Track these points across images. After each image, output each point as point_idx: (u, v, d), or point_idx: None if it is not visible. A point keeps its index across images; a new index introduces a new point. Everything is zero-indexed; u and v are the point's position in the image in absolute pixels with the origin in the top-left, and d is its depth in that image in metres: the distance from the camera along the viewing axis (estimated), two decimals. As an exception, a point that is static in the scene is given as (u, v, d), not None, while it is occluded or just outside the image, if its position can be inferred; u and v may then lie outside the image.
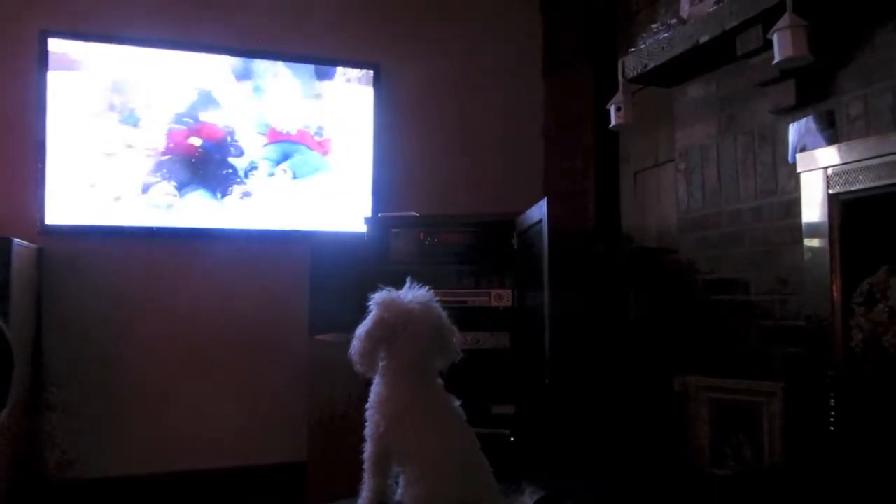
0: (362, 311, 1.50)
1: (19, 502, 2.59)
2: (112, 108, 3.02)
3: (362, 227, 2.90)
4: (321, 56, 3.31)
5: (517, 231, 2.73)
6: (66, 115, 2.95)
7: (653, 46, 2.51)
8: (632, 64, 2.62)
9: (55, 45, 2.93)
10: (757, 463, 2.13)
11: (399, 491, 1.46)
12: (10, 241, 2.45)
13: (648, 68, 2.54)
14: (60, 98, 2.94)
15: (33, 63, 2.90)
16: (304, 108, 3.29)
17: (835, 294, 1.92)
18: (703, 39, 2.26)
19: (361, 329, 1.45)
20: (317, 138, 3.30)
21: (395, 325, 1.41)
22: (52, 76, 2.92)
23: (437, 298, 1.48)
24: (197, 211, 3.12)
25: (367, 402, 1.49)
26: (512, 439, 2.53)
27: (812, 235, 1.99)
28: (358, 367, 1.46)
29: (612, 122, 2.66)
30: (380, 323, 1.42)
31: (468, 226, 2.82)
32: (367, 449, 1.47)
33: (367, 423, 1.48)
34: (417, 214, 2.93)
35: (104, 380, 2.96)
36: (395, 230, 2.84)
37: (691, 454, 2.32)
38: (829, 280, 1.93)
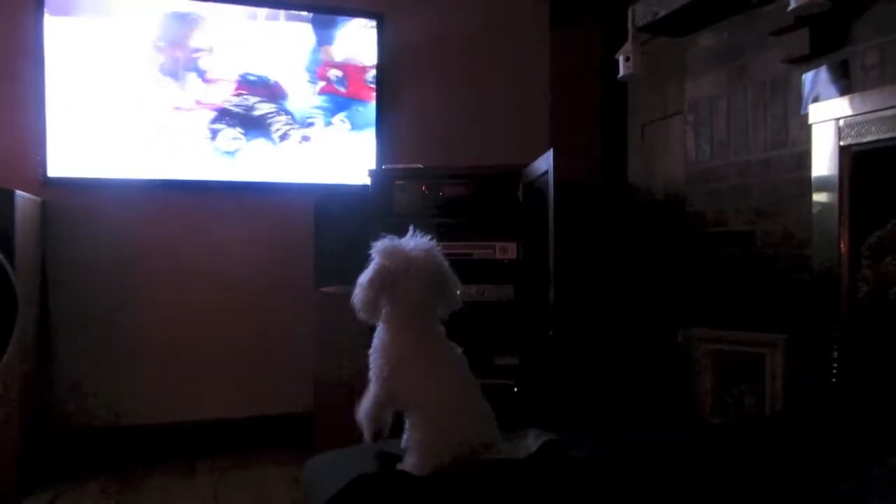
0: (366, 264, 1.50)
1: (34, 448, 2.64)
2: (123, 54, 2.97)
3: (367, 180, 2.88)
4: (324, 5, 3.24)
5: (523, 183, 2.71)
6: (71, 63, 2.90)
7: (664, -7, 2.45)
8: (641, 12, 2.56)
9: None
10: (758, 413, 2.15)
11: (404, 436, 1.49)
12: (12, 193, 2.44)
13: (659, 16, 2.48)
14: (63, 46, 2.89)
15: (30, 10, 2.85)
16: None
17: (842, 247, 1.91)
18: (716, -15, 2.20)
19: (364, 277, 1.45)
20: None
21: (397, 273, 1.42)
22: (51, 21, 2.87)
23: (441, 248, 1.48)
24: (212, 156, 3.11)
25: (371, 348, 1.51)
26: (516, 390, 2.56)
27: (821, 188, 1.98)
28: (360, 315, 1.47)
29: (621, 73, 2.61)
30: (381, 270, 1.43)
31: (473, 178, 2.80)
32: (371, 391, 1.49)
33: (370, 368, 1.49)
34: (422, 167, 2.90)
35: (110, 331, 2.98)
36: (400, 182, 2.81)
37: (694, 404, 2.34)
38: (837, 233, 1.92)
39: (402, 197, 2.81)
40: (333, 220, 2.86)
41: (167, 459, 2.91)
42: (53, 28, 2.88)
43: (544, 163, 2.47)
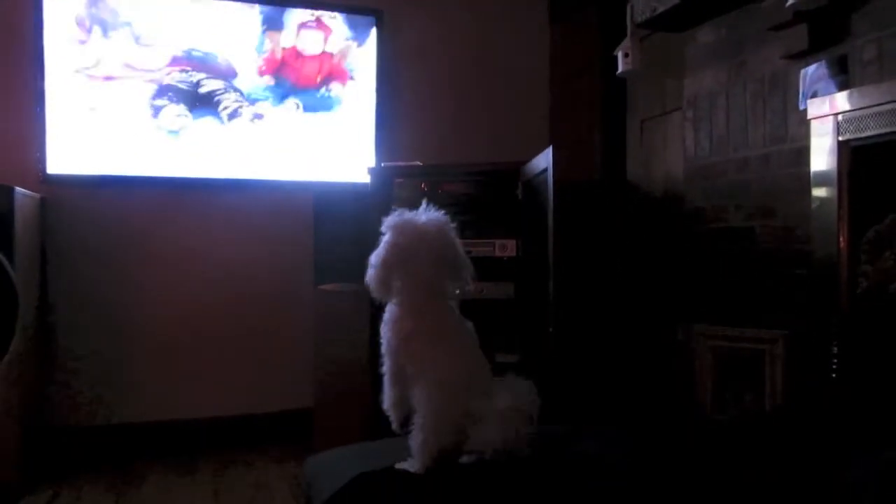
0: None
1: (34, 446, 2.64)
2: (111, 31, 2.96)
3: (366, 178, 2.88)
4: (320, 0, 3.24)
5: (522, 180, 2.71)
6: (64, 56, 2.90)
7: (662, -11, 2.45)
8: (640, 8, 2.56)
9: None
10: (758, 409, 2.15)
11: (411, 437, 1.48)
12: (12, 190, 2.44)
13: (658, 12, 2.48)
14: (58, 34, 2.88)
15: (31, 7, 2.85)
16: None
17: (841, 242, 1.91)
18: (715, -19, 2.20)
19: (375, 256, 1.44)
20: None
21: (409, 249, 1.40)
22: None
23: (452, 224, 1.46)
24: (206, 137, 3.09)
25: (378, 332, 1.51)
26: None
27: (820, 184, 1.97)
28: (374, 294, 1.46)
29: (620, 69, 2.61)
30: (394, 248, 1.41)
31: (472, 175, 2.80)
32: (385, 363, 1.48)
33: (382, 342, 1.48)
34: (421, 164, 2.90)
35: (110, 328, 2.98)
36: (399, 180, 2.81)
37: (694, 400, 2.34)
38: (836, 228, 1.91)
39: (401, 194, 2.80)
40: (333, 218, 2.86)
41: (167, 457, 2.92)
42: (52, 11, 2.86)
43: (543, 160, 2.46)
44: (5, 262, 2.31)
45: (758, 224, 2.34)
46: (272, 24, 3.17)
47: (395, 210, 1.45)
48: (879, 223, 1.82)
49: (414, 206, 2.73)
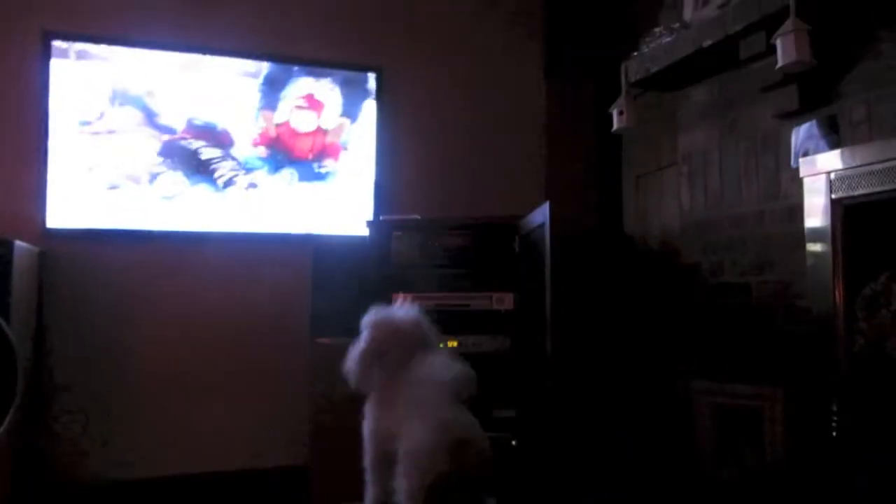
0: (364, 314, 1.56)
1: (26, 503, 2.59)
2: (115, 104, 3.02)
3: (364, 231, 2.90)
4: (323, 60, 3.31)
5: (519, 234, 2.73)
6: (67, 113, 2.95)
7: (655, 50, 2.51)
8: (634, 68, 2.63)
9: (59, 43, 2.93)
10: (759, 466, 2.13)
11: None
12: (11, 244, 2.44)
13: (651, 72, 2.55)
14: (63, 96, 2.94)
15: (36, 63, 2.90)
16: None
17: (837, 299, 1.92)
18: (707, 44, 2.26)
19: (355, 351, 1.54)
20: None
21: (387, 342, 1.50)
22: (56, 67, 2.92)
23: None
24: (201, 203, 3.12)
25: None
26: (514, 443, 2.53)
27: (815, 240, 1.99)
28: (353, 385, 1.54)
29: (615, 126, 2.66)
30: (372, 343, 1.52)
31: (470, 229, 2.82)
32: (366, 454, 1.52)
33: (363, 430, 1.53)
34: (419, 217, 2.93)
35: (105, 383, 2.95)
36: (398, 233, 2.83)
37: (694, 457, 2.32)
38: (832, 285, 1.92)
39: (399, 247, 2.82)
40: (331, 271, 2.87)
41: (159, 514, 2.86)
42: (58, 74, 2.93)
43: (540, 215, 2.49)
44: (6, 328, 2.29)
45: (754, 280, 2.36)
46: (267, 104, 3.24)
47: (371, 308, 1.55)
48: (874, 281, 1.83)
49: (412, 258, 2.79)
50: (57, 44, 2.93)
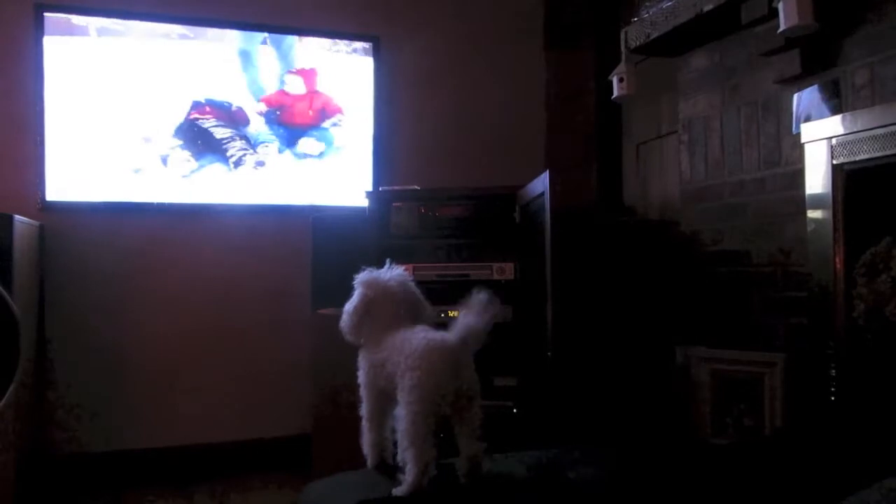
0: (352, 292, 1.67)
1: (29, 477, 2.62)
2: (115, 81, 3.00)
3: (364, 202, 2.89)
4: (320, 28, 3.27)
5: (519, 204, 2.72)
6: (66, 88, 2.92)
7: (656, 16, 2.48)
8: (634, 34, 2.59)
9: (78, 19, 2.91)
10: (757, 433, 2.15)
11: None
12: (11, 218, 2.44)
13: (651, 38, 2.51)
14: (60, 70, 2.91)
15: (29, 36, 2.87)
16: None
17: (837, 265, 1.91)
18: (707, 8, 2.23)
19: (349, 305, 1.65)
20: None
21: (376, 299, 1.62)
22: (51, 44, 2.89)
23: (431, 278, 1.61)
24: (211, 182, 3.13)
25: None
26: (515, 411, 2.55)
27: (815, 206, 1.99)
28: (347, 337, 1.67)
29: (615, 94, 2.64)
30: (363, 298, 1.63)
31: (470, 199, 2.81)
32: (363, 403, 1.63)
33: (359, 382, 1.64)
34: (419, 188, 2.92)
35: (108, 355, 2.97)
36: (397, 204, 2.82)
37: (693, 424, 2.34)
38: (832, 251, 1.92)
39: (399, 218, 2.82)
40: (330, 242, 2.86)
41: (164, 484, 2.89)
42: (53, 49, 2.90)
43: (540, 184, 2.48)
44: (10, 302, 2.29)
45: (754, 247, 2.36)
46: (265, 74, 3.22)
47: (364, 268, 1.68)
48: (875, 245, 1.83)
49: (412, 229, 2.78)
50: (76, 20, 2.90)
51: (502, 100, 3.55)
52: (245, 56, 3.18)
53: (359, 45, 3.33)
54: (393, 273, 1.67)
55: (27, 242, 2.63)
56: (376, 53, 3.34)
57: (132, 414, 2.99)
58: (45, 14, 2.88)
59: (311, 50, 3.27)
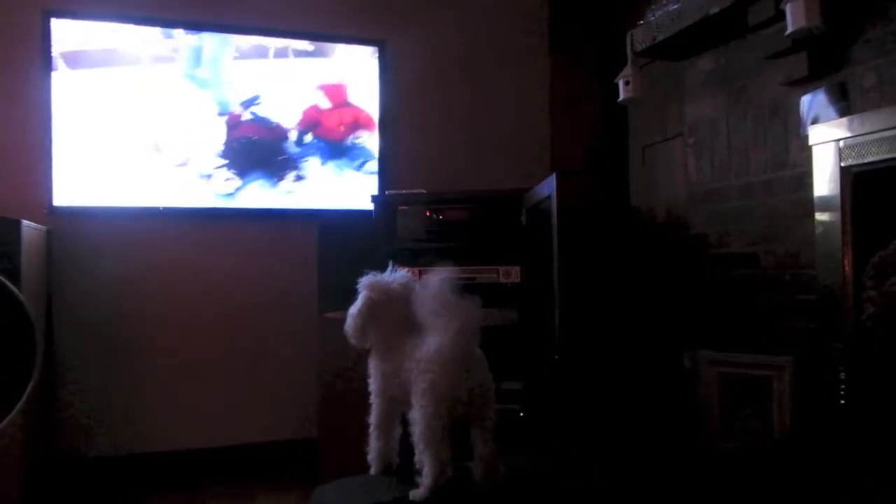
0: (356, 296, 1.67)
1: (37, 479, 2.62)
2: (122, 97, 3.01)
3: (369, 205, 2.89)
4: (326, 33, 3.28)
5: (525, 207, 2.72)
6: (74, 94, 2.94)
7: (661, 18, 2.48)
8: (640, 37, 2.59)
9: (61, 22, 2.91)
10: (766, 436, 2.13)
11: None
12: (19, 223, 2.44)
13: (657, 41, 2.51)
14: (72, 83, 2.93)
15: (37, 43, 2.88)
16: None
17: (846, 268, 1.91)
18: (714, 11, 2.23)
19: (353, 309, 1.65)
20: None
21: (380, 302, 1.60)
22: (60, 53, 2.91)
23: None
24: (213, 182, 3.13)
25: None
26: (521, 415, 2.54)
27: (823, 209, 1.98)
28: (352, 341, 1.66)
29: (621, 97, 2.63)
30: (367, 302, 1.62)
31: (476, 202, 2.81)
32: (373, 410, 1.64)
33: (369, 390, 1.65)
34: (425, 192, 2.92)
35: (115, 359, 2.97)
36: (403, 208, 2.83)
37: (701, 428, 2.33)
38: (841, 253, 1.91)
39: (405, 222, 2.82)
40: (336, 246, 2.87)
41: (171, 487, 2.89)
42: (64, 74, 2.91)
43: (547, 187, 2.48)
44: (26, 304, 2.30)
45: (761, 249, 2.35)
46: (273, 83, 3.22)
47: (366, 272, 1.68)
48: (884, 248, 1.82)
49: (418, 232, 2.78)
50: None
51: (508, 103, 3.55)
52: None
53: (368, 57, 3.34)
54: (396, 276, 1.66)
55: (35, 247, 2.64)
56: (382, 58, 3.35)
57: (139, 418, 2.99)
58: (53, 20, 2.89)
59: (340, 60, 3.30)
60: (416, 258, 2.72)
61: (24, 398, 2.27)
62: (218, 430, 3.09)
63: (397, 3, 3.41)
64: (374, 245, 2.76)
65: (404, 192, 2.95)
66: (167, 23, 3.06)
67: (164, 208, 3.04)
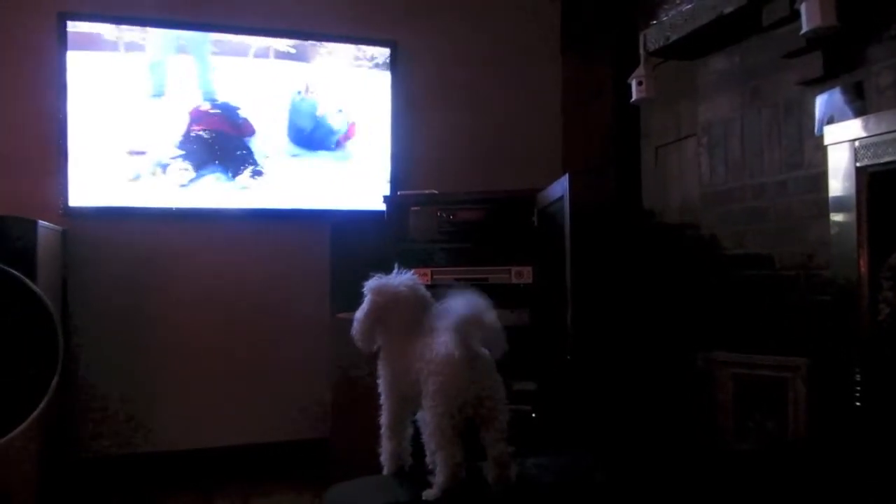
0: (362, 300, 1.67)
1: (51, 478, 2.64)
2: (134, 86, 3.03)
3: (382, 206, 2.90)
4: (337, 34, 3.29)
5: (537, 208, 2.72)
6: (87, 95, 2.96)
7: (675, 18, 2.47)
8: (653, 36, 2.58)
9: (75, 24, 2.93)
10: (781, 438, 2.12)
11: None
12: (35, 224, 2.47)
13: (671, 41, 2.50)
14: (82, 78, 2.95)
15: (53, 44, 2.91)
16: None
17: (862, 268, 1.89)
18: (728, 10, 2.22)
19: (359, 312, 1.65)
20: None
21: (387, 306, 1.61)
22: (73, 55, 2.93)
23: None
24: (211, 191, 3.15)
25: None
26: (534, 416, 2.54)
27: (839, 209, 1.96)
28: (359, 345, 1.66)
29: (634, 97, 2.62)
30: (373, 305, 1.62)
31: (488, 203, 2.81)
32: (383, 412, 1.64)
33: (379, 391, 1.65)
34: (437, 192, 2.92)
35: (130, 359, 3.00)
36: (415, 208, 2.83)
37: (715, 430, 2.31)
38: (856, 254, 1.90)
39: (417, 222, 2.82)
40: (349, 246, 2.88)
41: (185, 487, 2.91)
42: (75, 60, 2.94)
43: (559, 188, 2.47)
44: (49, 306, 2.32)
45: (776, 250, 2.33)
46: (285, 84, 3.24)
47: (372, 275, 1.67)
48: (900, 249, 1.81)
49: (430, 233, 2.79)
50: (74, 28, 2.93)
51: (519, 103, 3.55)
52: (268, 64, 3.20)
53: (379, 58, 3.33)
54: (402, 278, 1.66)
55: (51, 247, 2.66)
56: (393, 59, 3.35)
57: (153, 417, 3.01)
58: (69, 23, 2.92)
59: (334, 63, 3.29)
60: (428, 259, 2.73)
61: (48, 394, 2.29)
62: (230, 429, 3.10)
63: (409, 3, 3.42)
64: (387, 245, 2.76)
65: (416, 192, 2.96)
66: (179, 25, 3.08)
67: (178, 209, 3.06)
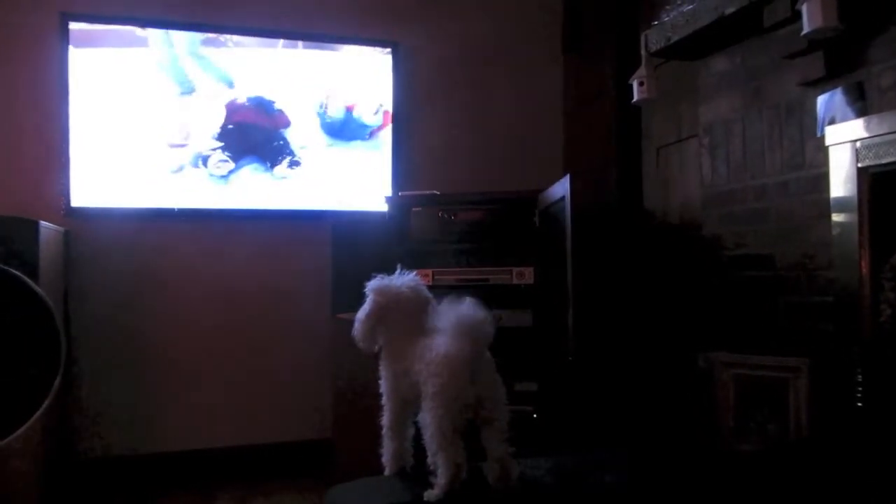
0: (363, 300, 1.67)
1: (53, 479, 2.65)
2: (161, 83, 3.05)
3: (383, 206, 2.90)
4: (339, 35, 3.29)
5: (539, 209, 2.72)
6: (90, 97, 2.96)
7: (676, 19, 2.46)
8: (655, 37, 2.58)
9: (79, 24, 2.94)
10: (782, 439, 2.12)
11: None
12: (37, 224, 2.47)
13: (672, 41, 2.50)
14: (87, 79, 2.95)
15: (55, 44, 2.92)
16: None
17: (863, 269, 1.89)
18: (729, 11, 2.21)
19: (361, 312, 1.65)
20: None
21: (389, 306, 1.61)
22: (82, 53, 2.94)
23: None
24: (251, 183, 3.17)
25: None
26: (535, 416, 2.54)
27: (840, 210, 1.96)
28: (360, 345, 1.66)
29: (635, 97, 2.62)
30: (376, 305, 1.62)
31: (489, 203, 2.81)
32: (385, 412, 1.64)
33: (381, 392, 1.65)
34: (438, 193, 2.92)
35: (131, 360, 3.00)
36: (417, 209, 2.83)
37: (716, 430, 2.31)
38: (858, 255, 1.90)
39: (418, 223, 2.82)
40: (350, 247, 2.88)
41: (187, 488, 2.91)
42: (77, 59, 2.94)
43: (560, 189, 2.47)
44: (51, 307, 2.33)
45: (778, 251, 2.33)
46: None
47: (374, 275, 1.67)
48: (902, 250, 1.81)
49: (432, 233, 2.79)
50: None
51: (521, 104, 3.55)
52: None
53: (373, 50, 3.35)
54: (405, 279, 1.66)
55: (52, 248, 2.67)
56: (395, 59, 3.35)
57: (155, 418, 3.02)
58: (71, 23, 2.92)
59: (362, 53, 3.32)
60: (429, 259, 2.73)
61: (50, 395, 2.29)
62: (232, 430, 3.10)
63: (410, 5, 3.42)
64: (388, 246, 2.77)
65: (418, 193, 2.96)
66: (183, 26, 3.08)
67: (179, 209, 3.07)
